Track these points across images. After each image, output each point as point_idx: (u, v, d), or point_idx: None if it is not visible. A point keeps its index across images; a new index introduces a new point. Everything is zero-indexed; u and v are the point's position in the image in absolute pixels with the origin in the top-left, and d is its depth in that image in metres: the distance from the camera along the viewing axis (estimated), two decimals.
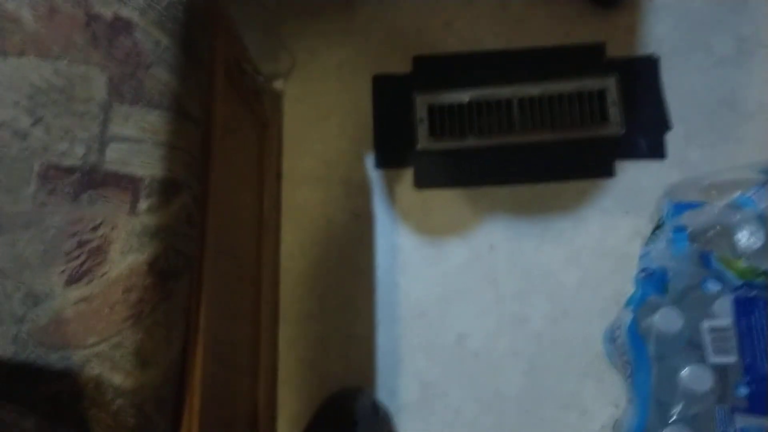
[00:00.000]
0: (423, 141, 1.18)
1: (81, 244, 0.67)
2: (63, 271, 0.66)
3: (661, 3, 1.18)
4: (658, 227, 1.05)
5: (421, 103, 1.20)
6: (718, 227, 0.97)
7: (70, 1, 0.73)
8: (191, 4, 0.77)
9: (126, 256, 0.67)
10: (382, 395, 1.11)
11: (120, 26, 0.73)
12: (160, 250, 0.69)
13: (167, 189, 0.71)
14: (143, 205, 0.68)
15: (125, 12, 0.73)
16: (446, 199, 1.16)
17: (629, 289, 1.06)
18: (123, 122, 0.70)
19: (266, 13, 1.26)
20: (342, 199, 1.18)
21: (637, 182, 1.13)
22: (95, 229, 0.67)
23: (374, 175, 1.18)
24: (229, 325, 0.93)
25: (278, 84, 1.23)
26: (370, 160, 1.19)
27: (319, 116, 1.21)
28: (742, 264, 0.91)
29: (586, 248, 1.12)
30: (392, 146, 1.19)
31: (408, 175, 1.18)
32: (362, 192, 1.18)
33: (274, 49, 1.24)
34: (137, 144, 0.70)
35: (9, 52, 0.71)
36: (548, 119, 1.16)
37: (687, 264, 0.92)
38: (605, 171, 1.14)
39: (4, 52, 0.71)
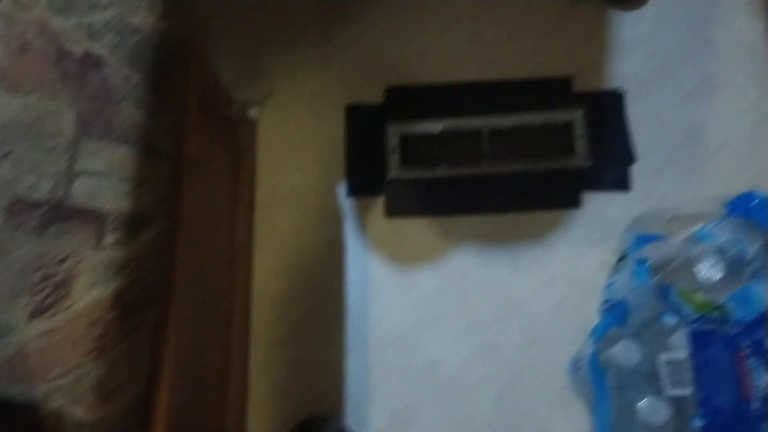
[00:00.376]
0: (395, 170, 1.20)
1: (46, 278, 0.68)
2: (27, 305, 0.67)
3: (628, 38, 1.21)
4: (622, 259, 1.07)
5: (394, 133, 1.21)
6: (679, 260, 1.00)
7: (41, 38, 0.75)
8: (163, 41, 0.79)
9: (91, 289, 0.68)
10: (353, 422, 1.12)
11: (90, 63, 0.74)
12: (125, 283, 0.70)
13: (134, 223, 0.72)
14: (109, 239, 0.70)
15: (96, 49, 0.75)
16: (418, 228, 1.18)
17: (596, 319, 1.08)
18: (91, 157, 0.72)
19: (244, 41, 1.28)
20: (315, 227, 1.19)
21: (603, 214, 1.15)
22: (60, 262, 0.68)
23: (347, 204, 1.20)
24: (198, 354, 0.94)
25: (254, 111, 1.24)
26: (342, 189, 1.21)
27: (294, 144, 1.23)
28: (700, 297, 0.93)
29: (556, 277, 1.14)
30: (364, 175, 1.21)
31: (380, 204, 1.20)
32: (335, 220, 1.19)
33: (251, 77, 1.26)
34: (104, 179, 0.71)
35: None
36: (518, 150, 1.19)
37: (647, 297, 0.94)
38: (572, 202, 1.16)
39: None
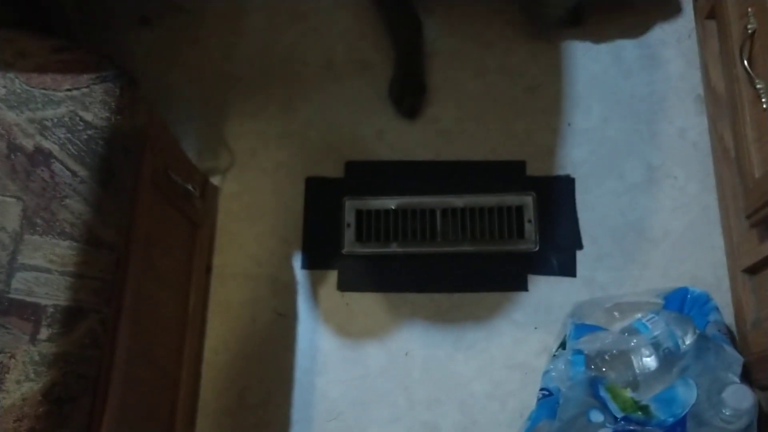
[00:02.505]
0: (349, 245, 1.23)
1: None
2: None
3: (578, 128, 1.26)
4: (561, 346, 1.10)
5: (350, 208, 1.25)
6: (614, 351, 1.03)
7: None
8: (115, 134, 0.82)
9: (21, 385, 0.70)
10: None
11: (39, 159, 0.78)
12: (57, 377, 0.72)
13: (70, 317, 0.74)
14: (44, 334, 0.72)
15: (46, 144, 0.78)
16: (368, 303, 1.21)
17: (534, 403, 1.11)
18: (32, 253, 0.74)
19: (209, 110, 1.32)
20: (268, 298, 1.22)
21: (548, 298, 1.19)
22: None
23: (301, 276, 1.23)
24: (141, 422, 0.96)
25: (216, 180, 1.28)
26: (297, 261, 1.24)
27: (253, 214, 1.26)
28: (627, 394, 0.97)
29: (497, 360, 1.17)
30: (320, 248, 1.24)
31: (333, 277, 1.23)
32: (288, 291, 1.22)
33: (215, 146, 1.30)
34: (44, 274, 0.74)
35: None
36: (469, 231, 1.22)
37: (579, 390, 0.97)
38: (519, 285, 1.20)
39: None
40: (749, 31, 0.99)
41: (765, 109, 0.94)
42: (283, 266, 1.24)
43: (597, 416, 0.92)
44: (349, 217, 1.25)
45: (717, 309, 1.07)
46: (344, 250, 1.23)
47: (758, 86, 0.96)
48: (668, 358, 1.03)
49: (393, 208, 1.25)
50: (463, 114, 1.29)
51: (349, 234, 1.24)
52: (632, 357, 1.05)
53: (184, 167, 1.14)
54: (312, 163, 1.28)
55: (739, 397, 0.91)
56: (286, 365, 1.19)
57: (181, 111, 1.32)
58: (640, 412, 0.92)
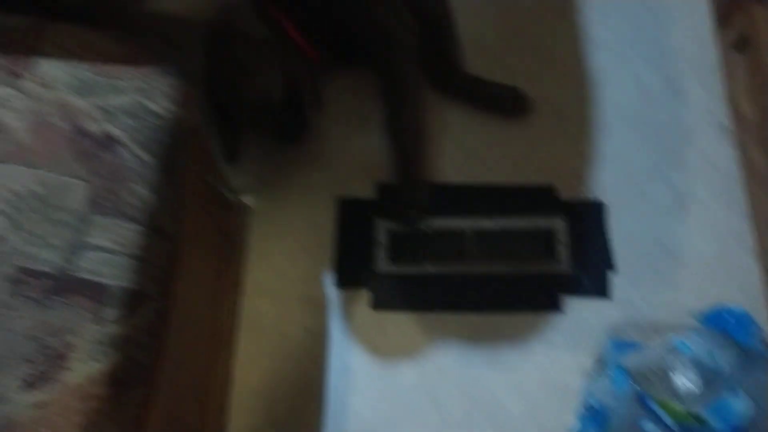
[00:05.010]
0: (381, 264, 1.23)
1: (42, 349, 0.68)
2: (21, 375, 0.67)
3: (605, 153, 1.28)
4: (600, 364, 1.10)
5: (382, 228, 1.25)
6: (656, 369, 1.02)
7: (60, 116, 0.78)
8: (175, 127, 0.82)
9: (85, 364, 0.68)
10: None
11: (106, 143, 0.77)
12: (119, 360, 0.70)
13: (132, 300, 0.73)
14: (109, 314, 0.71)
15: (112, 129, 0.78)
16: (400, 322, 1.20)
17: (570, 422, 1.09)
18: (98, 233, 0.73)
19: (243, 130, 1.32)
20: (299, 315, 1.20)
21: (583, 319, 1.18)
22: (59, 335, 0.69)
23: (332, 294, 1.22)
24: None
25: (248, 198, 1.28)
26: (329, 279, 1.23)
27: (284, 232, 1.26)
28: (677, 407, 0.96)
29: (532, 379, 1.15)
30: (352, 267, 1.24)
31: (365, 296, 1.21)
32: (319, 309, 1.21)
33: (247, 164, 1.30)
34: (109, 255, 0.73)
35: None
36: (500, 252, 1.23)
37: (626, 403, 0.96)
38: (553, 306, 1.20)
39: None
40: None
41: None
42: (314, 284, 1.23)
43: (651, 427, 0.90)
44: (381, 237, 1.25)
45: (757, 325, 1.07)
46: (376, 270, 1.23)
47: None
48: (711, 378, 1.03)
49: (425, 228, 1.25)
50: (492, 138, 1.31)
51: (381, 254, 1.24)
52: (673, 375, 1.04)
53: (222, 179, 1.14)
54: (343, 183, 1.29)
55: None
56: (317, 383, 1.16)
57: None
58: (696, 422, 0.91)
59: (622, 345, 1.08)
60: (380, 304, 1.21)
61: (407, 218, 1.25)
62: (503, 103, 1.32)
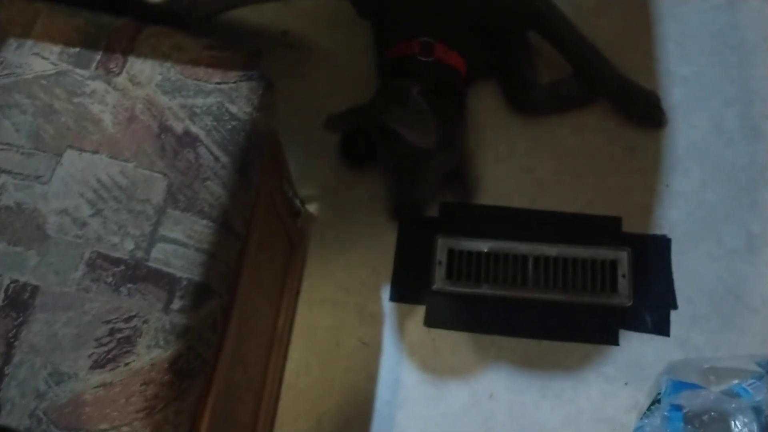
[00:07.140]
0: (439, 282, 1.23)
1: (112, 333, 0.71)
2: (90, 356, 0.70)
3: (676, 190, 1.26)
4: (655, 402, 1.07)
5: (442, 246, 1.26)
6: (713, 413, 0.99)
7: (147, 113, 0.82)
8: (253, 131, 0.85)
9: (151, 350, 0.71)
10: None
11: (187, 141, 0.81)
12: (182, 349, 0.73)
13: (200, 294, 0.76)
14: (176, 304, 0.73)
15: (194, 129, 0.82)
16: (454, 341, 1.20)
17: None
18: (173, 226, 0.76)
19: (311, 141, 1.35)
20: (354, 326, 1.22)
21: (640, 355, 1.16)
22: (128, 320, 0.72)
23: (388, 308, 1.23)
24: None
25: (312, 207, 1.30)
26: (386, 293, 1.24)
27: (345, 243, 1.28)
28: None
29: (585, 412, 1.14)
30: (409, 282, 1.24)
31: (420, 313, 1.22)
32: (374, 322, 1.22)
33: (314, 175, 1.33)
34: (182, 248, 0.76)
35: (85, 149, 0.79)
36: (560, 280, 1.22)
37: None
38: (610, 339, 1.18)
39: (81, 148, 0.79)
40: None
41: None
42: (371, 296, 1.24)
43: None
44: (441, 256, 1.25)
45: None
46: (434, 287, 1.23)
47: None
48: None
49: (485, 250, 1.25)
50: (560, 166, 1.30)
51: (439, 271, 1.24)
52: (732, 420, 1.01)
53: (291, 187, 1.17)
54: None
55: None
56: (367, 395, 1.17)
57: (284, 139, 1.36)
58: None
59: (679, 385, 1.05)
60: (435, 321, 1.21)
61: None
62: (635, 105, 1.31)
